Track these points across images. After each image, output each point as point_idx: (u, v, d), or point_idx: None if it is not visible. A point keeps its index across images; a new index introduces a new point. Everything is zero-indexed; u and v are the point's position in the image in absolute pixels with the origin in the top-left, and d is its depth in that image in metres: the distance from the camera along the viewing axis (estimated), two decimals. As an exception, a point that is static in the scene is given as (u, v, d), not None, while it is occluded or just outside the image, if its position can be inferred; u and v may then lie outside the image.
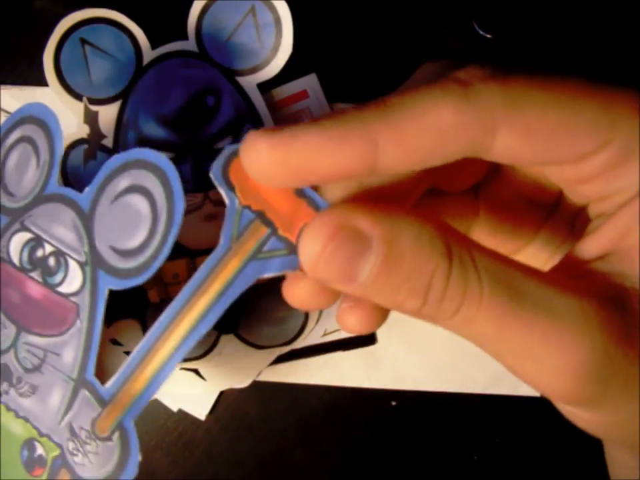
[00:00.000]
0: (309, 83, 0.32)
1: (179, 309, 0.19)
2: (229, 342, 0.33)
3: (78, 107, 0.31)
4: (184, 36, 0.31)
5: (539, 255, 0.22)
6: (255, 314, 0.33)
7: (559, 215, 0.21)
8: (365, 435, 0.34)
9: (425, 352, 0.34)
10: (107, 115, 0.31)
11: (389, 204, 0.16)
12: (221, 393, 0.34)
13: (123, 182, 0.20)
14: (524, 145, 0.16)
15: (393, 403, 0.34)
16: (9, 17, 0.34)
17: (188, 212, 0.31)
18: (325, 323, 0.33)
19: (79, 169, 0.31)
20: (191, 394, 0.33)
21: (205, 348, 0.33)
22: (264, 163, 0.16)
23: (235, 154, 0.18)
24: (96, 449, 0.20)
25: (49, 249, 0.22)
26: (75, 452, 0.21)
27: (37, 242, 0.23)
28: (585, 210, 0.19)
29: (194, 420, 0.33)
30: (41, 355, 0.22)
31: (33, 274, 0.23)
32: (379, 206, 0.16)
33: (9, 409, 0.22)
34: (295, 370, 0.33)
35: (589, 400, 0.16)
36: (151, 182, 0.19)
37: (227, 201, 0.18)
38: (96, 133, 0.31)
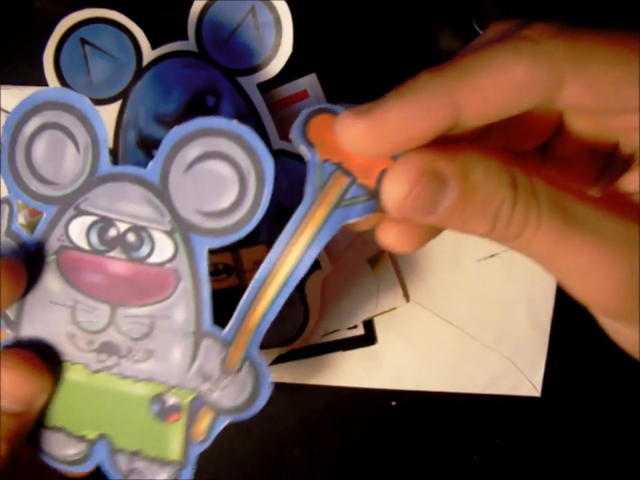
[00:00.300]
0: (309, 82, 0.32)
1: (276, 257, 0.21)
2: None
3: None
4: (184, 36, 0.31)
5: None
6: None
7: (614, 165, 0.23)
8: (365, 435, 0.34)
9: (425, 352, 0.34)
10: (107, 115, 0.31)
11: (457, 145, 0.19)
12: (221, 393, 0.34)
13: (192, 151, 0.22)
14: (589, 96, 0.18)
15: (393, 403, 0.34)
16: (8, 17, 0.34)
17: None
18: (325, 323, 0.33)
19: None
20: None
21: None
22: (361, 141, 0.18)
23: (311, 115, 0.20)
24: (230, 382, 0.23)
25: (122, 226, 0.23)
26: (211, 391, 0.23)
27: (104, 222, 0.23)
28: (636, 157, 0.21)
29: (194, 420, 0.33)
30: (147, 322, 0.24)
31: (111, 253, 0.23)
32: (451, 147, 0.18)
33: (124, 377, 0.24)
34: (295, 370, 0.33)
35: (627, 315, 0.19)
36: (227, 146, 0.21)
37: (308, 156, 0.20)
38: None
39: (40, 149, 0.24)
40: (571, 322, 0.34)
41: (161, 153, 0.22)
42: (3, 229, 0.24)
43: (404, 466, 0.34)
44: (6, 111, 0.32)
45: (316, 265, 0.32)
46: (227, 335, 0.23)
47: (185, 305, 0.23)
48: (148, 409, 0.24)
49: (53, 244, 0.24)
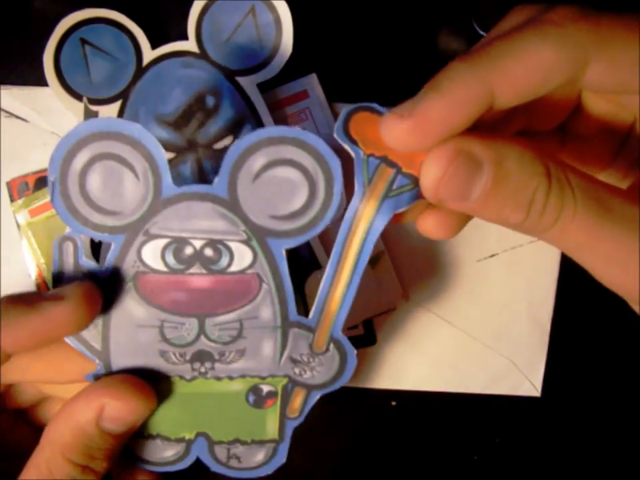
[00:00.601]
0: (309, 83, 0.32)
1: (341, 248, 0.23)
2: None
3: (78, 107, 0.31)
4: (184, 36, 0.31)
5: (613, 178, 0.25)
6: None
7: (629, 144, 0.24)
8: (365, 435, 0.34)
9: (425, 352, 0.34)
10: (107, 115, 0.31)
11: (494, 134, 0.19)
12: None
13: (258, 161, 0.23)
14: (610, 76, 0.19)
15: (393, 403, 0.34)
16: (8, 17, 0.34)
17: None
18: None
19: None
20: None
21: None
22: (407, 140, 0.19)
23: (350, 113, 0.22)
24: (319, 362, 0.25)
25: (198, 243, 0.24)
26: (301, 372, 0.26)
27: (178, 242, 0.24)
28: None
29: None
30: (236, 326, 0.25)
31: (191, 270, 0.24)
32: (486, 135, 0.19)
33: (219, 378, 0.26)
34: (295, 370, 0.33)
35: None
36: (291, 152, 0.23)
37: (352, 153, 0.22)
38: None
39: (95, 181, 0.23)
40: (571, 322, 0.34)
41: (225, 167, 0.23)
42: (71, 265, 0.24)
43: (404, 466, 0.34)
44: (6, 111, 0.32)
45: (316, 265, 0.32)
46: (312, 321, 0.25)
47: (270, 303, 0.25)
48: (245, 401, 0.26)
49: (127, 271, 0.24)
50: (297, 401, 0.26)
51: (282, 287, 0.25)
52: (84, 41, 0.31)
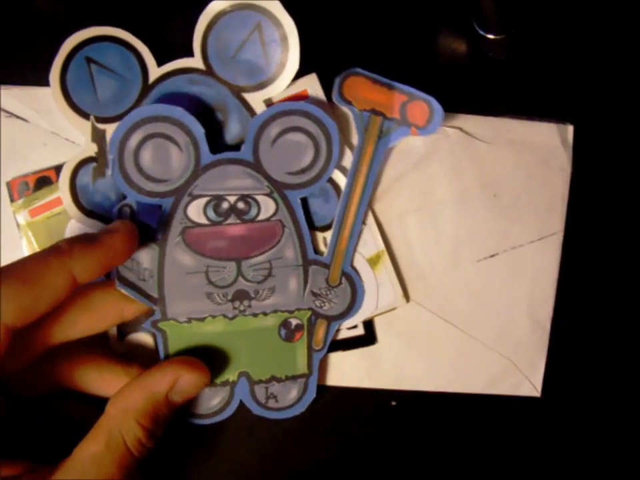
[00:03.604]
0: (309, 83, 0.32)
1: (350, 186, 0.31)
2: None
3: (85, 126, 0.31)
4: (190, 53, 0.31)
5: None
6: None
7: None
8: (365, 435, 0.34)
9: (425, 352, 0.34)
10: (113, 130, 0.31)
11: None
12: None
13: (274, 129, 0.30)
14: None
15: (393, 403, 0.34)
16: (9, 17, 0.34)
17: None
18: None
19: (87, 187, 0.31)
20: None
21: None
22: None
23: (341, 81, 0.31)
24: (335, 294, 0.31)
25: (232, 198, 0.30)
26: (321, 305, 0.31)
27: (217, 199, 0.30)
28: None
29: (194, 420, 0.33)
30: (267, 266, 0.30)
31: (228, 221, 0.30)
32: None
33: (255, 315, 0.31)
34: (295, 370, 0.33)
35: None
36: (299, 121, 0.30)
37: (350, 112, 0.31)
38: (103, 151, 0.31)
39: (147, 156, 0.29)
40: (571, 322, 0.34)
41: (250, 136, 0.30)
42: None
43: (404, 466, 0.34)
44: (6, 111, 0.32)
45: None
46: (327, 258, 0.31)
47: (292, 244, 0.30)
48: (278, 336, 0.31)
49: (176, 228, 0.30)
50: (320, 332, 0.31)
51: (300, 230, 0.30)
52: (89, 60, 0.31)
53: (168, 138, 0.29)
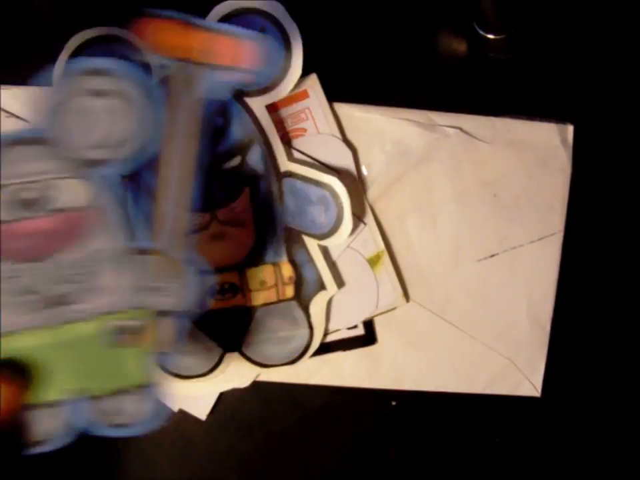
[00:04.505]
0: (309, 83, 0.32)
1: (161, 151, 0.25)
2: (233, 360, 0.33)
3: None
4: None
5: None
6: (258, 333, 0.33)
7: None
8: (365, 435, 0.34)
9: (425, 352, 0.34)
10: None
11: None
12: (221, 393, 0.34)
13: (74, 97, 0.24)
14: None
15: (393, 403, 0.34)
16: (9, 17, 0.34)
17: (195, 231, 0.32)
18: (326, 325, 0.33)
19: None
20: (192, 394, 0.33)
21: (210, 366, 0.33)
22: None
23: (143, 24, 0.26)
24: (172, 285, 0.25)
25: (31, 186, 0.24)
26: (156, 300, 0.25)
27: (7, 191, 0.24)
28: None
29: (194, 420, 0.33)
30: (84, 262, 0.25)
31: (26, 214, 0.24)
32: None
33: (76, 320, 0.26)
34: (295, 370, 0.33)
35: None
36: (108, 83, 0.24)
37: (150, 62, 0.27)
38: None
39: None
40: (571, 322, 0.34)
41: (45, 112, 0.24)
42: None
43: (404, 466, 0.34)
44: (6, 111, 0.32)
45: (321, 286, 0.32)
46: (156, 244, 0.25)
47: (113, 233, 0.25)
48: (107, 341, 0.25)
49: None
50: (161, 331, 0.26)
51: (123, 216, 0.25)
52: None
53: None
